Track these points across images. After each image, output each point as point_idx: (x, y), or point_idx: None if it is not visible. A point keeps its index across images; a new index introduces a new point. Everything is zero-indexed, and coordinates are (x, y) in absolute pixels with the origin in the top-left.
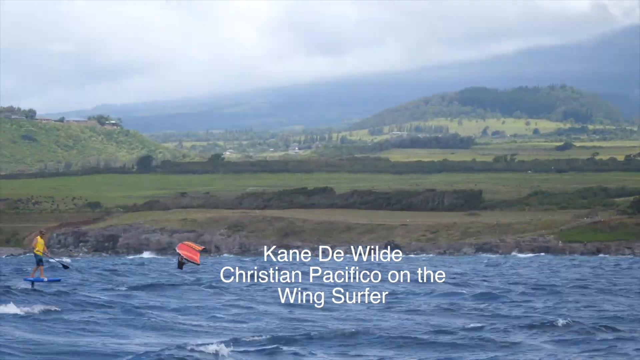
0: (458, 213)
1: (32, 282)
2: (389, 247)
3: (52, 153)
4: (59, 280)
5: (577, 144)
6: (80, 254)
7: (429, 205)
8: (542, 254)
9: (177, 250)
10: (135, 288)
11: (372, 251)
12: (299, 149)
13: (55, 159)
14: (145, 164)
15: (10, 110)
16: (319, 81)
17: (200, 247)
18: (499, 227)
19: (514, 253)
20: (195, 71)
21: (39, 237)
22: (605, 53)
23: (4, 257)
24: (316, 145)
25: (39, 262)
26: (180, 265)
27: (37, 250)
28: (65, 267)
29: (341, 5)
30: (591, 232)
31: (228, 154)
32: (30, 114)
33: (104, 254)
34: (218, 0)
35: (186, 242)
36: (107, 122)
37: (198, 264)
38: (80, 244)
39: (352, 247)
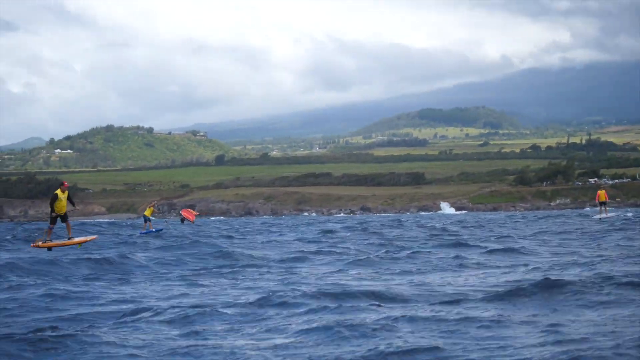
0: (408, 187)
1: (146, 233)
2: (363, 208)
3: (163, 154)
4: (161, 230)
5: (492, 142)
6: (172, 217)
7: (391, 182)
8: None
9: (181, 213)
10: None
11: (353, 211)
12: (319, 148)
13: (165, 158)
14: (219, 160)
15: (137, 127)
16: (332, 106)
17: (196, 213)
18: (433, 195)
19: (439, 212)
20: (253, 101)
21: (149, 206)
22: (510, 85)
23: (126, 220)
24: (329, 146)
25: (147, 220)
26: (182, 221)
27: (147, 213)
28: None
29: (345, 58)
30: (490, 197)
31: (274, 153)
32: (150, 130)
33: (202, 217)
34: (265, 53)
35: (187, 209)
36: (198, 134)
37: (192, 222)
38: (172, 211)
39: (341, 208)
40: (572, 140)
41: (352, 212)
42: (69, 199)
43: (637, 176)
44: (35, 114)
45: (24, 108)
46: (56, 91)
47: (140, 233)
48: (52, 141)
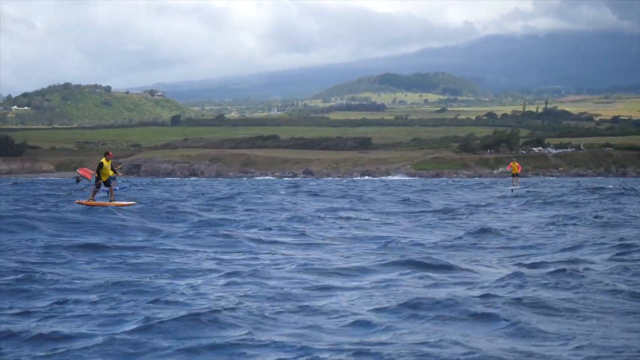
0: (355, 151)
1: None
2: (306, 172)
3: (120, 113)
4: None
5: (449, 109)
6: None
7: (338, 146)
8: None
9: (78, 171)
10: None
11: (296, 174)
12: (278, 110)
13: (122, 117)
14: (175, 120)
15: (95, 86)
16: (294, 69)
17: (92, 172)
18: (377, 160)
19: (382, 177)
20: (214, 62)
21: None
22: (471, 52)
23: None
24: (288, 109)
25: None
26: (78, 180)
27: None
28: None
29: (308, 20)
30: (434, 163)
31: (232, 114)
32: (107, 88)
33: (131, 177)
34: (229, 14)
35: (84, 168)
36: (155, 93)
37: (89, 179)
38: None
39: (284, 171)
40: (529, 108)
41: (294, 175)
42: (112, 168)
43: (582, 146)
44: None
45: None
46: (17, 47)
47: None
48: (9, 98)
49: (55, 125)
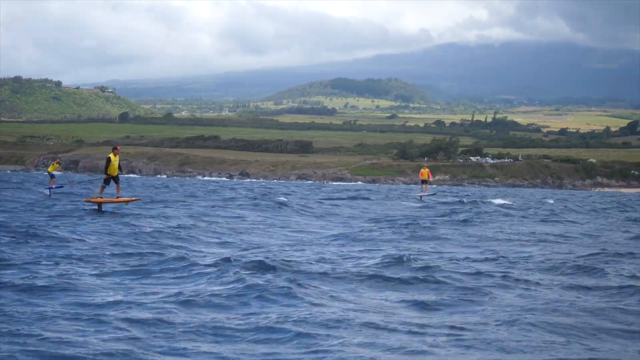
0: (295, 155)
1: (50, 190)
2: (243, 173)
3: (70, 109)
4: (62, 187)
5: (400, 115)
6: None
7: (278, 149)
8: (339, 182)
9: None
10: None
11: (232, 176)
12: (229, 111)
13: (72, 112)
14: (123, 118)
15: (45, 80)
16: (248, 70)
17: None
18: (315, 164)
19: (321, 181)
20: (169, 61)
21: (52, 163)
22: (426, 59)
23: (9, 172)
24: (239, 110)
25: (52, 177)
26: None
27: (51, 169)
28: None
29: (264, 22)
30: (370, 169)
31: (183, 114)
32: (58, 83)
33: (69, 172)
34: (185, 14)
35: None
36: (106, 90)
37: None
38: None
39: (221, 172)
40: (478, 117)
41: (231, 176)
42: (120, 165)
43: (520, 157)
44: None
45: None
46: None
47: (47, 188)
48: None
49: (3, 119)
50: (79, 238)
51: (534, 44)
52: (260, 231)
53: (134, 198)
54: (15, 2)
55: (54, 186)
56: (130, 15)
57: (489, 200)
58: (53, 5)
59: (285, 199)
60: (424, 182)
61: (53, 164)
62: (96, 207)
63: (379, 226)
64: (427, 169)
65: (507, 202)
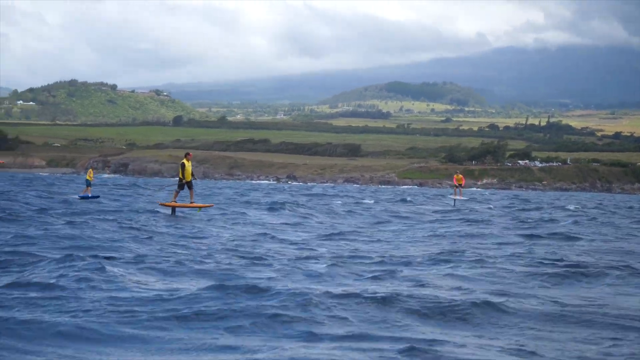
0: (343, 158)
1: (82, 197)
2: (290, 176)
3: (125, 112)
4: (98, 197)
5: (455, 119)
6: (105, 174)
7: (327, 152)
8: (385, 186)
9: None
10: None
11: (280, 179)
12: (284, 115)
13: (127, 115)
14: (177, 121)
15: (101, 83)
16: (304, 73)
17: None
18: (363, 168)
19: (368, 184)
20: (224, 63)
21: (90, 171)
22: (482, 63)
23: (60, 175)
24: (294, 113)
25: (88, 185)
26: None
27: (89, 178)
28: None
29: (320, 25)
30: (418, 172)
31: (238, 117)
32: (113, 87)
33: (119, 175)
34: (240, 16)
35: None
36: (161, 93)
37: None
38: (105, 167)
39: (269, 175)
40: (532, 121)
41: (278, 179)
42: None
43: (568, 161)
44: (5, 64)
45: None
46: (27, 42)
47: (79, 196)
48: (14, 93)
49: (58, 122)
50: None
51: (591, 47)
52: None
53: (207, 204)
54: (71, 5)
55: (89, 195)
56: (186, 17)
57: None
58: (109, 7)
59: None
60: (457, 186)
61: (89, 171)
62: (170, 211)
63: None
64: (460, 175)
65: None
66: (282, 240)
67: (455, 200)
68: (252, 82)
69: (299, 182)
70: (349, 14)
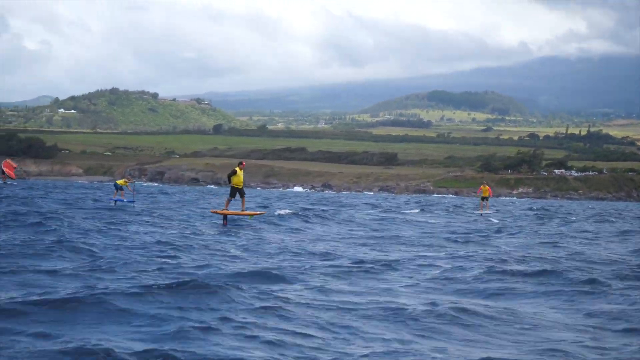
0: (380, 167)
1: (115, 202)
2: (325, 185)
3: (166, 120)
4: (133, 202)
5: (495, 128)
6: (143, 182)
7: (363, 161)
8: (420, 194)
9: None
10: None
11: (315, 187)
12: (325, 124)
13: (167, 124)
14: (217, 129)
15: (142, 92)
16: (347, 82)
17: (15, 165)
18: (398, 177)
19: (403, 193)
20: (267, 72)
21: (124, 180)
22: (524, 72)
23: (98, 182)
24: (335, 122)
25: (119, 189)
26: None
27: (120, 182)
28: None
29: (362, 34)
30: (454, 181)
31: (279, 126)
32: (154, 95)
33: (155, 183)
34: (283, 25)
35: (7, 160)
36: (202, 102)
37: (10, 178)
38: (142, 175)
39: (304, 184)
40: (572, 131)
41: (313, 187)
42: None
43: (604, 170)
44: (49, 72)
45: (38, 66)
46: (72, 50)
47: (110, 199)
48: (56, 101)
49: (99, 130)
50: None
51: (634, 56)
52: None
53: (258, 212)
54: (116, 13)
55: (124, 199)
56: (229, 25)
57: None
58: (153, 16)
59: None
60: (484, 199)
61: (125, 180)
62: (222, 218)
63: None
64: (487, 186)
65: None
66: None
67: (482, 214)
68: (295, 91)
69: (333, 191)
70: (392, 23)
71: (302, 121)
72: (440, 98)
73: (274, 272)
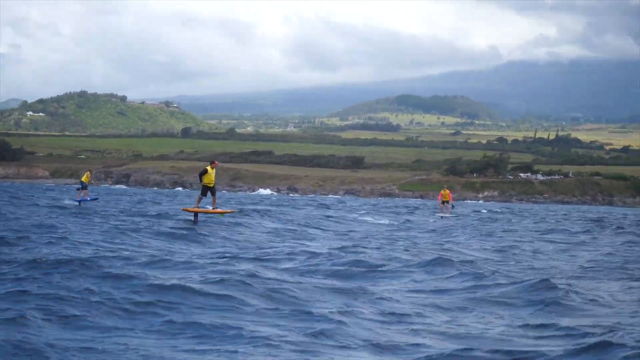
0: (346, 170)
1: (80, 202)
2: (291, 188)
3: (135, 123)
4: (96, 199)
5: (464, 132)
6: (107, 184)
7: (329, 164)
8: (386, 197)
9: None
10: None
11: (280, 190)
12: (294, 127)
13: (136, 127)
14: (185, 133)
15: (110, 95)
16: (316, 86)
17: None
18: (364, 180)
19: (368, 197)
20: (238, 76)
21: (87, 173)
22: (494, 76)
23: (67, 185)
24: (304, 126)
25: (84, 188)
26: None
27: (84, 179)
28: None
29: (334, 39)
30: (419, 184)
31: (248, 129)
32: (123, 98)
33: (120, 185)
34: (255, 29)
35: None
36: (171, 105)
37: None
38: (108, 178)
39: (270, 187)
40: (540, 135)
41: (279, 190)
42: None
43: (570, 174)
44: (18, 76)
45: (7, 69)
46: (41, 53)
47: (75, 200)
48: (24, 104)
49: (67, 133)
50: None
51: (603, 61)
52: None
53: (228, 210)
54: (86, 17)
55: (87, 198)
56: (200, 30)
57: None
58: (124, 20)
59: None
60: (444, 202)
61: (86, 174)
62: (192, 216)
63: None
64: (447, 190)
65: None
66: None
67: (442, 216)
68: (265, 95)
69: (299, 194)
70: (363, 28)
71: (271, 125)
72: (409, 102)
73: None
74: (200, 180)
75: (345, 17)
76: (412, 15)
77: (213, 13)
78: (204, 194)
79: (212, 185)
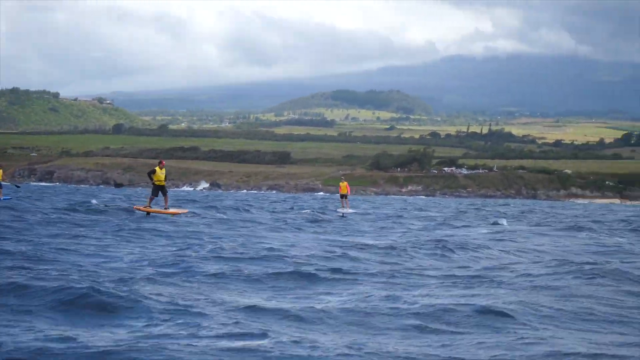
0: (272, 165)
1: None
2: (213, 184)
3: (67, 120)
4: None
5: (399, 127)
6: (31, 182)
7: (255, 160)
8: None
9: None
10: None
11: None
12: (229, 123)
13: (69, 123)
14: (117, 129)
15: (43, 92)
16: (252, 82)
17: None
18: (289, 175)
19: (292, 192)
20: (174, 72)
21: None
22: (430, 71)
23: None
24: (239, 121)
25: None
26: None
27: None
28: (17, 186)
29: (270, 34)
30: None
31: (182, 125)
32: (55, 95)
33: (44, 183)
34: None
35: None
36: (104, 101)
37: None
38: (31, 175)
39: (193, 183)
40: (474, 129)
41: (195, 186)
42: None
43: (494, 168)
44: None
45: None
46: None
47: None
48: None
49: None
50: None
51: (539, 56)
52: None
53: (180, 210)
54: (20, 13)
55: (1, 197)
56: (136, 26)
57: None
58: (59, 16)
59: None
60: (342, 196)
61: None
62: (145, 215)
63: None
64: (345, 183)
65: None
66: None
67: (343, 213)
68: (201, 90)
69: (222, 190)
70: (299, 23)
71: (206, 120)
72: (344, 97)
73: None
74: (151, 180)
75: (281, 12)
76: (349, 10)
77: (148, 9)
78: (155, 194)
79: (162, 184)
